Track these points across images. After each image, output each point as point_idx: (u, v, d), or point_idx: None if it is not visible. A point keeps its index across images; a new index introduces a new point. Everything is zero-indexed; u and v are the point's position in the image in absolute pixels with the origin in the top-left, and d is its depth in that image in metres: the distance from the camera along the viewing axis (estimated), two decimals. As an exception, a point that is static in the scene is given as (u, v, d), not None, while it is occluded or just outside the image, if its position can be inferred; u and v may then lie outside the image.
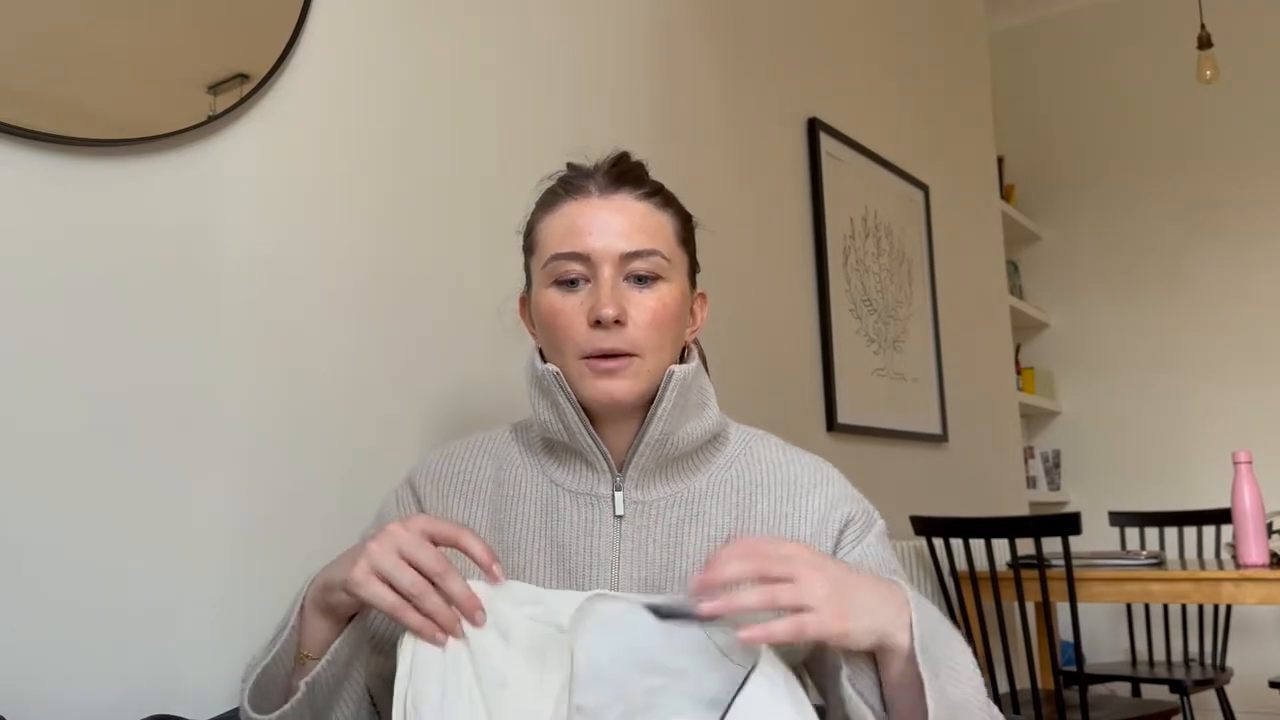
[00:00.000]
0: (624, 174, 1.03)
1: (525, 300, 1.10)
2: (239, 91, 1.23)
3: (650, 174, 1.06)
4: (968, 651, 0.93)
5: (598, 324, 0.97)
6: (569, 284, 0.99)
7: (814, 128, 2.50)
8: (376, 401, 1.35)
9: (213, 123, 1.20)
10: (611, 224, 0.99)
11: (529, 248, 1.06)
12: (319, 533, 1.25)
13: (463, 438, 1.13)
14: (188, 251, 1.17)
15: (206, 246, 1.19)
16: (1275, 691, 3.11)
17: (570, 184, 1.03)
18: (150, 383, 1.11)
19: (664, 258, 1.00)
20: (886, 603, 0.87)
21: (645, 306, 0.99)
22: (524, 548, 1.02)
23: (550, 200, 1.04)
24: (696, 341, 1.09)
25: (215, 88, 1.20)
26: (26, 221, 1.03)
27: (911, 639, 0.86)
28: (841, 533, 1.03)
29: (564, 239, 1.00)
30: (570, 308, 0.99)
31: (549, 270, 1.00)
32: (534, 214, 1.06)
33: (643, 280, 0.99)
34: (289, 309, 1.26)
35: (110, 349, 1.08)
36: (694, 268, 1.08)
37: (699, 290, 1.10)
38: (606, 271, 0.98)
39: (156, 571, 1.10)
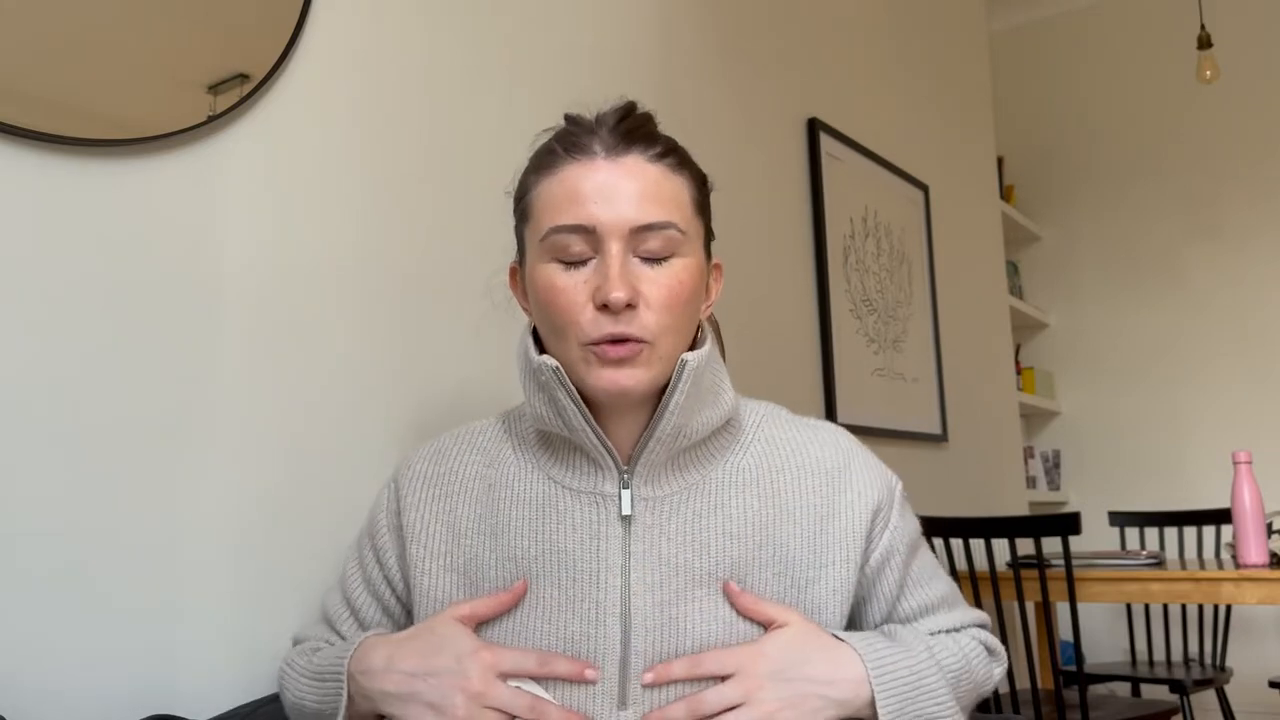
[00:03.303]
0: (633, 130, 0.90)
1: (516, 270, 0.98)
2: (239, 91, 1.23)
3: (660, 127, 0.94)
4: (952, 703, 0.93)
5: (604, 307, 0.85)
6: (571, 259, 0.88)
7: (814, 128, 2.50)
8: (377, 400, 1.35)
9: (213, 123, 1.20)
10: (621, 191, 0.86)
11: (522, 214, 0.93)
12: (320, 531, 1.25)
13: (450, 431, 1.05)
14: (188, 251, 1.17)
15: (206, 246, 1.19)
16: (1275, 691, 3.11)
17: (570, 141, 0.90)
18: (150, 381, 1.11)
19: (680, 230, 0.88)
20: (839, 669, 0.88)
21: (660, 285, 0.87)
22: (520, 556, 0.91)
23: (547, 161, 0.91)
24: (711, 315, 1.00)
25: (215, 88, 1.20)
26: (26, 221, 1.03)
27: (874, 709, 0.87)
28: (872, 524, 0.97)
29: (565, 208, 0.87)
30: (572, 287, 0.87)
31: (548, 244, 0.88)
32: (528, 175, 0.93)
33: (657, 257, 0.88)
34: (289, 308, 1.26)
35: (110, 348, 1.08)
36: (709, 236, 0.96)
37: (715, 260, 0.98)
38: (615, 247, 0.86)
39: (156, 571, 1.10)
